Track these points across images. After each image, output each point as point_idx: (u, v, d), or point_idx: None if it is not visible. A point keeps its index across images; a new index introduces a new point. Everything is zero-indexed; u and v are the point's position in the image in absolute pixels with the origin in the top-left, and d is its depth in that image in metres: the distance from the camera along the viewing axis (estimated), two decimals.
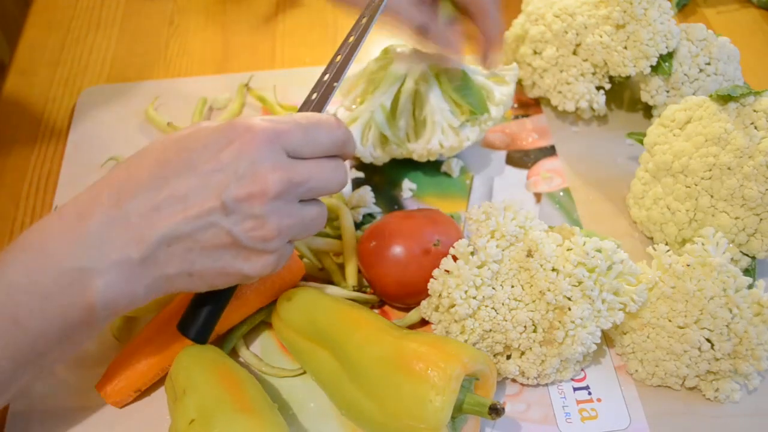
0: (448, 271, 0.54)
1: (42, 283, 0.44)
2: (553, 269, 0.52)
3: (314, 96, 0.54)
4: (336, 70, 0.55)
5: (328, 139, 0.50)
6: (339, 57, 0.55)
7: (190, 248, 0.46)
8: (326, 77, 0.55)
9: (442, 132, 0.66)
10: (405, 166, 0.71)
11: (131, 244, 0.45)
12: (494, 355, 0.55)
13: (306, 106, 0.54)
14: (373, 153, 0.68)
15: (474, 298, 0.53)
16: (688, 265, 0.53)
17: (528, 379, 0.55)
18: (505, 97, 0.68)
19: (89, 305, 0.45)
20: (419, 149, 0.67)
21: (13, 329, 0.44)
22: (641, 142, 0.66)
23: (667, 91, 0.69)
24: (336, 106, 0.69)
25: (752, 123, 0.57)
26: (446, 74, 0.67)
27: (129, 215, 0.45)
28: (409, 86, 0.67)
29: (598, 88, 0.72)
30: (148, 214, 0.45)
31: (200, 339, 0.53)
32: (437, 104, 0.67)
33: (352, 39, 0.56)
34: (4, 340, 0.44)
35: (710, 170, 0.58)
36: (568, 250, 0.53)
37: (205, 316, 0.53)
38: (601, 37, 0.68)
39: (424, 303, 0.57)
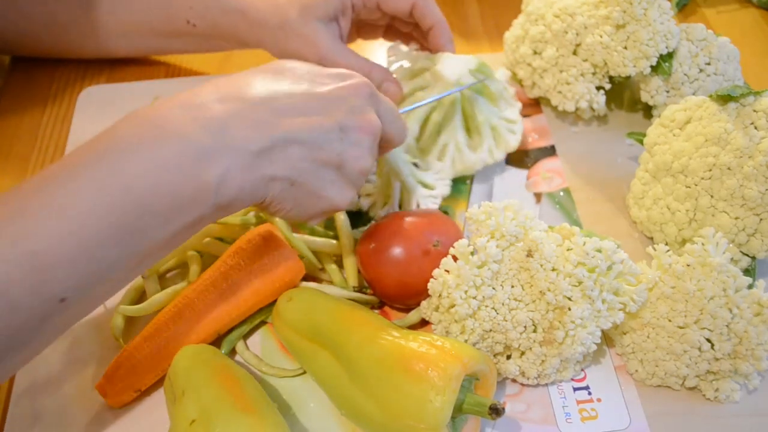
0: (448, 271, 0.54)
1: (161, 156, 0.43)
2: (553, 269, 0.52)
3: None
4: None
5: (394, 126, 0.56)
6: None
7: (303, 157, 0.48)
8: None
9: (508, 132, 0.69)
10: None
11: (252, 136, 0.46)
12: (494, 355, 0.55)
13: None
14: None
15: (474, 298, 0.53)
16: (688, 265, 0.53)
17: (528, 379, 0.55)
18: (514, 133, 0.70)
19: (205, 184, 0.44)
20: (499, 155, 0.69)
21: (122, 196, 0.42)
22: (641, 142, 0.66)
23: (667, 91, 0.69)
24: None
25: (752, 123, 0.57)
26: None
27: (253, 111, 0.47)
28: (464, 105, 0.68)
29: (598, 88, 0.72)
30: (270, 114, 0.47)
31: None
32: (489, 110, 0.68)
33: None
34: (111, 206, 0.42)
35: (710, 170, 0.58)
36: (568, 250, 0.53)
37: None
38: (601, 37, 0.68)
39: (424, 303, 0.57)
